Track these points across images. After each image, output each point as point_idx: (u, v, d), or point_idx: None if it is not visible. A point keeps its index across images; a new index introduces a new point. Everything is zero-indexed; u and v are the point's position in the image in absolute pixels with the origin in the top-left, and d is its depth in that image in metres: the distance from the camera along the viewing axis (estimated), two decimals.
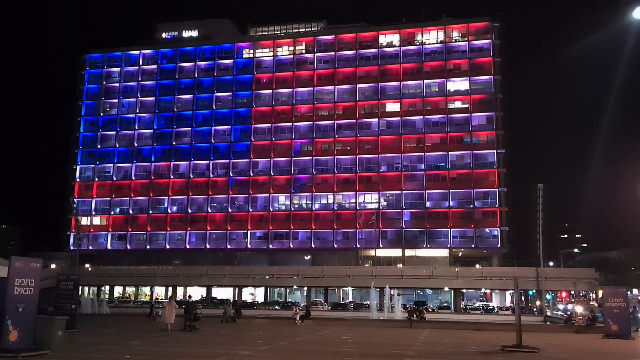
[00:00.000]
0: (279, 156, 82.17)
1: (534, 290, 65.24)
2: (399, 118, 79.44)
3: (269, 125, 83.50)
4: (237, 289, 72.32)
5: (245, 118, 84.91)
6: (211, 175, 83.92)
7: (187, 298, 41.06)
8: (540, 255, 53.36)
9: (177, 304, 28.33)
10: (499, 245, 73.49)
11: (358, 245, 75.68)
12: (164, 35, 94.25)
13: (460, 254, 77.37)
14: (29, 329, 16.56)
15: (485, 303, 71.52)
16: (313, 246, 78.26)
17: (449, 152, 76.76)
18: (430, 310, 58.04)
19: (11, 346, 15.77)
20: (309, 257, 78.56)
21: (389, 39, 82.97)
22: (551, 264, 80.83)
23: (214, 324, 35.48)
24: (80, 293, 46.84)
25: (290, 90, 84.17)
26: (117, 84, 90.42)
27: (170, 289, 76.26)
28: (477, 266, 72.09)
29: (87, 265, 75.84)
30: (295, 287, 72.72)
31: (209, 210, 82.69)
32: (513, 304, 61.25)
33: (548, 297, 68.53)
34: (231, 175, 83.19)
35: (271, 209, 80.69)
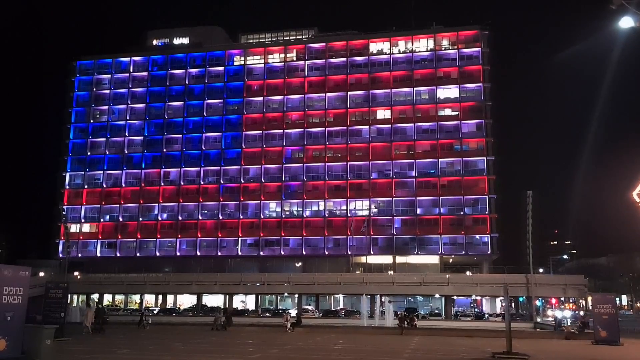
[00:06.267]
0: (270, 163, 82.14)
1: (524, 297, 65.52)
2: (389, 125, 79.80)
3: (260, 132, 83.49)
4: (227, 296, 71.91)
5: (236, 125, 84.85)
6: (202, 182, 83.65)
7: (98, 305, 42.87)
8: (530, 262, 53.72)
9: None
10: (489, 252, 73.81)
11: (349, 252, 75.70)
12: (154, 42, 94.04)
13: (450, 260, 77.62)
14: (18, 337, 16.42)
15: (477, 310, 71.79)
16: (304, 253, 78.13)
17: (439, 159, 77.13)
18: (421, 317, 58.14)
19: None
20: (300, 264, 78.41)
21: (380, 46, 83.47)
22: (541, 270, 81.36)
23: (205, 331, 35.32)
24: (69, 301, 46.35)
25: (281, 97, 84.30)
26: (108, 91, 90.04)
27: (160, 296, 75.80)
28: (468, 273, 72.30)
29: (76, 273, 75.08)
30: (286, 294, 72.45)
31: (200, 218, 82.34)
32: (503, 310, 61.52)
33: (538, 303, 68.86)
34: (222, 182, 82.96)
35: (262, 216, 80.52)
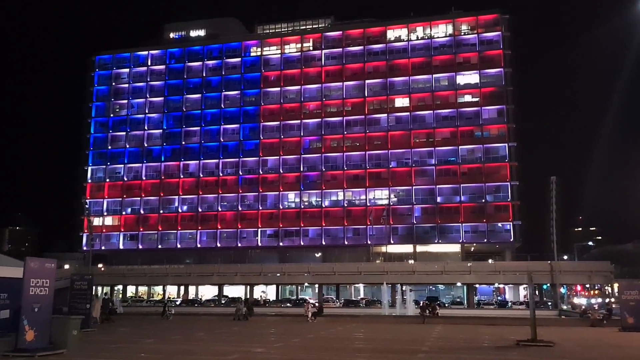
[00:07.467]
0: (288, 154, 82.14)
1: (548, 285, 64.72)
2: (408, 113, 79.07)
3: (278, 123, 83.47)
4: (248, 287, 72.41)
5: (253, 116, 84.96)
6: (221, 174, 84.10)
7: (104, 296, 43.96)
8: (554, 249, 52.97)
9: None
10: (511, 240, 72.97)
11: (369, 242, 75.48)
12: (171, 35, 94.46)
13: (472, 249, 76.98)
14: (45, 328, 16.69)
15: (500, 298, 71.19)
16: (323, 243, 78.22)
17: (460, 147, 76.26)
18: (444, 305, 57.79)
19: (28, 345, 15.90)
20: (320, 254, 78.49)
21: (397, 33, 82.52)
22: (565, 257, 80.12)
23: (227, 322, 35.57)
24: (94, 293, 47.18)
25: (299, 87, 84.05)
26: (127, 85, 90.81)
27: (182, 288, 76.68)
28: (490, 261, 71.65)
29: (100, 265, 76.35)
30: (306, 284, 72.74)
31: (219, 209, 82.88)
32: (527, 298, 60.85)
33: (562, 291, 67.95)
34: (241, 173, 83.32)
35: (281, 207, 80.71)
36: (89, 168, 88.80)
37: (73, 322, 18.02)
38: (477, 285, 68.70)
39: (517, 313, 46.65)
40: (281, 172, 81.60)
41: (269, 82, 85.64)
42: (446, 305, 62.45)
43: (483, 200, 74.12)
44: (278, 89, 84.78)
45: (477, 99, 77.33)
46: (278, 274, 69.87)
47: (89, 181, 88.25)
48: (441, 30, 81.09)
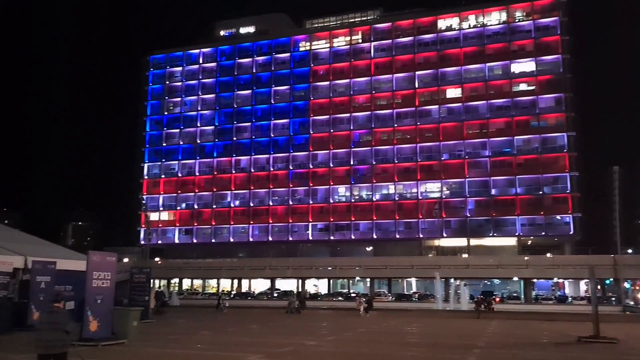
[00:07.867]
0: (338, 147, 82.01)
1: (611, 279, 61.81)
2: (460, 104, 77.24)
3: (327, 117, 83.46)
4: (300, 280, 73.04)
5: (303, 111, 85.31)
6: (271, 169, 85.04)
7: (157, 288, 44.97)
8: (617, 242, 50.57)
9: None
10: (571, 233, 70.11)
11: (421, 235, 74.46)
12: (222, 32, 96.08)
13: (529, 242, 74.52)
14: (107, 319, 17.34)
15: (560, 293, 68.73)
16: (375, 237, 77.77)
17: (515, 137, 73.85)
18: (502, 299, 56.30)
19: (92, 335, 16.58)
20: (371, 248, 78.13)
21: (448, 22, 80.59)
22: (630, 251, 76.29)
23: (279, 314, 35.99)
24: (152, 285, 48.84)
25: (348, 80, 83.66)
26: (180, 83, 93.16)
27: (235, 281, 78.24)
28: (548, 255, 69.12)
29: (157, 259, 78.95)
30: (358, 278, 72.59)
31: (271, 204, 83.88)
32: (588, 293, 58.47)
33: (627, 285, 64.74)
34: (291, 168, 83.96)
35: (331, 201, 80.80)
36: (145, 165, 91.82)
37: (133, 313, 18.65)
38: (534, 280, 66.50)
39: (578, 309, 44.91)
40: (331, 166, 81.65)
41: (318, 76, 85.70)
42: (502, 299, 60.86)
43: (540, 192, 71.55)
44: (327, 82, 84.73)
45: (533, 88, 74.56)
46: (329, 268, 70.05)
47: (145, 177, 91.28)
48: (494, 18, 78.59)
